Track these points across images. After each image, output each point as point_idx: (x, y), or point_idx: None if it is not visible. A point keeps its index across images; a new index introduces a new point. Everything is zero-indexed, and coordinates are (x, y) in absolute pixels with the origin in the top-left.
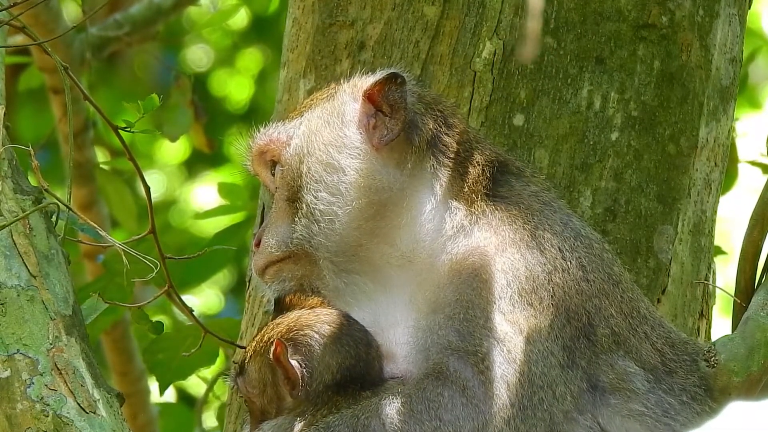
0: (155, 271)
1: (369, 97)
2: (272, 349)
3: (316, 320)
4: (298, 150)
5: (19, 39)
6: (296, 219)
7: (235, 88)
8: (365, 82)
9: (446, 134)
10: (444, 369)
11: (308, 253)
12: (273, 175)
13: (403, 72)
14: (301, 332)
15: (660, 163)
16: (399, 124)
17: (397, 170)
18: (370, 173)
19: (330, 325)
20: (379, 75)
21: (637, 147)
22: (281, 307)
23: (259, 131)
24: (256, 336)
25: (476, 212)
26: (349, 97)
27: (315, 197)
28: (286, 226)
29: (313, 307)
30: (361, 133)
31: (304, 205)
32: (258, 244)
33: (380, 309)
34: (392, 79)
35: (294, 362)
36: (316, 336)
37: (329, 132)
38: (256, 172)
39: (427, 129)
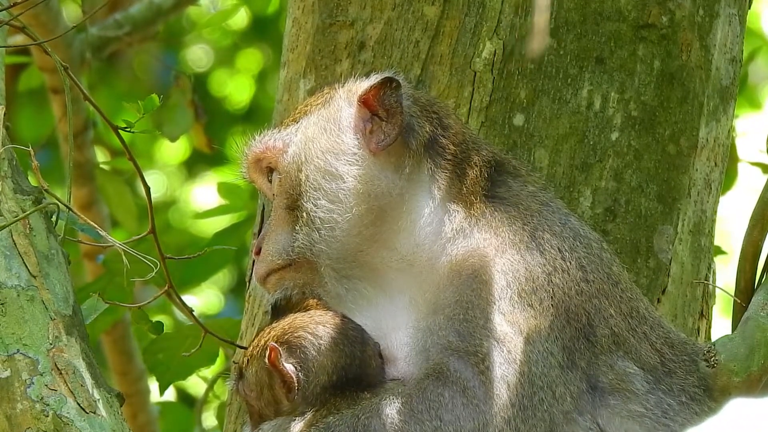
0: (155, 271)
1: (365, 102)
2: (267, 353)
3: (310, 321)
4: (296, 158)
5: (19, 39)
6: (297, 227)
7: (235, 88)
8: (360, 86)
9: (443, 136)
10: (444, 369)
11: (310, 260)
12: (270, 182)
13: (398, 75)
14: (295, 335)
15: (660, 163)
16: (396, 129)
17: (395, 175)
18: (369, 179)
19: (324, 326)
20: (374, 79)
21: (637, 147)
22: (278, 310)
23: (254, 138)
24: (254, 339)
25: (475, 214)
26: (344, 103)
27: (315, 205)
28: (287, 234)
29: (308, 309)
30: (357, 139)
31: (304, 213)
32: (258, 252)
33: (381, 313)
34: (387, 83)
35: (289, 366)
36: (310, 337)
37: (326, 139)
38: (253, 179)
39: (423, 132)
